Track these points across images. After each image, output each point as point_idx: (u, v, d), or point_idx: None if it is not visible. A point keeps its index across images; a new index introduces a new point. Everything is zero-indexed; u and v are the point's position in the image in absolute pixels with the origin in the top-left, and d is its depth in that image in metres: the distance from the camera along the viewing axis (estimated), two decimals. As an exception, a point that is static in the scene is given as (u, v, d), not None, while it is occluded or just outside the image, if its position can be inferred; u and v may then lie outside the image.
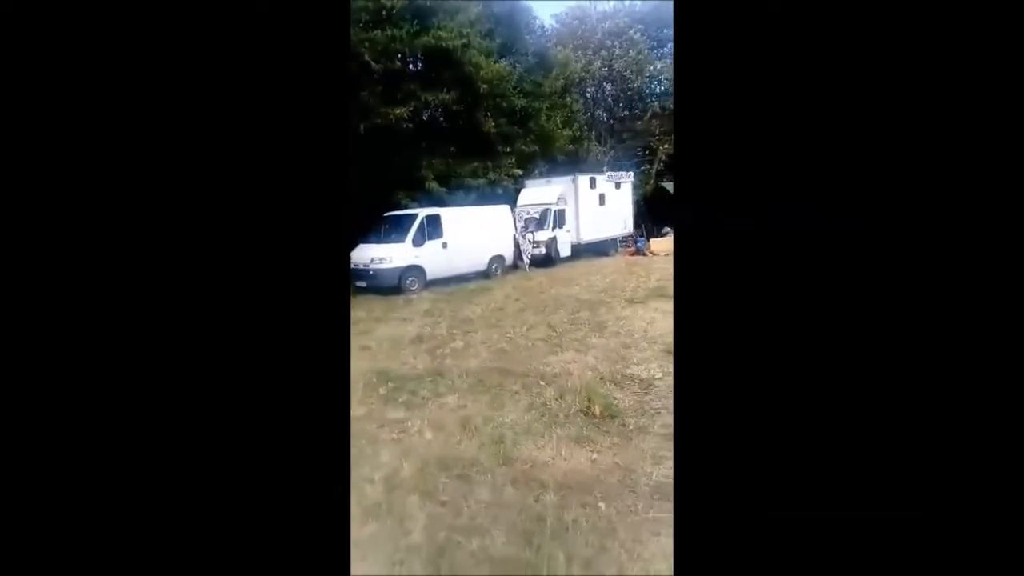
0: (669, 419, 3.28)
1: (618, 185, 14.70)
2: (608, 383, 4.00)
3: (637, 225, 15.74)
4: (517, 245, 11.70)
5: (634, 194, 15.92)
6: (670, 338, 5.17)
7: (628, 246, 14.84)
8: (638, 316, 6.29)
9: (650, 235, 15.43)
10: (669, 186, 17.95)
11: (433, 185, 11.27)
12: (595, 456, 2.85)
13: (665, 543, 2.09)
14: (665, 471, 2.64)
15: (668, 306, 6.77)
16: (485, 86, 11.61)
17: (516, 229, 11.79)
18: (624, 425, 3.25)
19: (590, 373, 4.23)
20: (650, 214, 16.88)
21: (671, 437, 3.08)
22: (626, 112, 21.28)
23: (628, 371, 4.24)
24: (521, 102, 12.98)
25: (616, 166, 17.37)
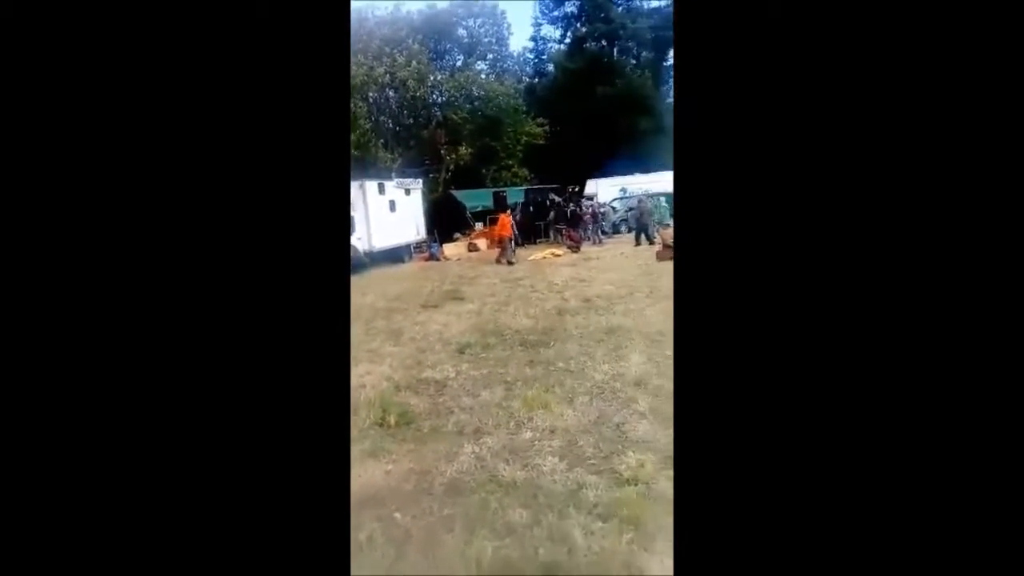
0: (462, 416, 3.43)
1: (408, 191, 14.77)
2: (404, 390, 3.99)
3: (430, 231, 16.05)
4: (303, 256, 10.79)
5: (424, 201, 16.19)
6: (463, 339, 5.41)
7: (422, 252, 15.04)
8: (433, 320, 6.41)
9: (443, 240, 15.89)
10: (458, 193, 18.77)
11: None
12: (390, 467, 2.81)
13: (459, 536, 2.18)
14: (458, 467, 2.75)
15: (461, 308, 7.08)
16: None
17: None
18: (419, 429, 3.28)
19: (385, 383, 4.15)
20: (441, 219, 17.38)
21: (464, 433, 3.23)
22: (411, 120, 21.53)
23: (423, 375, 4.29)
24: (296, 101, 12.00)
25: (404, 173, 17.42)
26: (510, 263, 11.84)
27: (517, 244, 14.02)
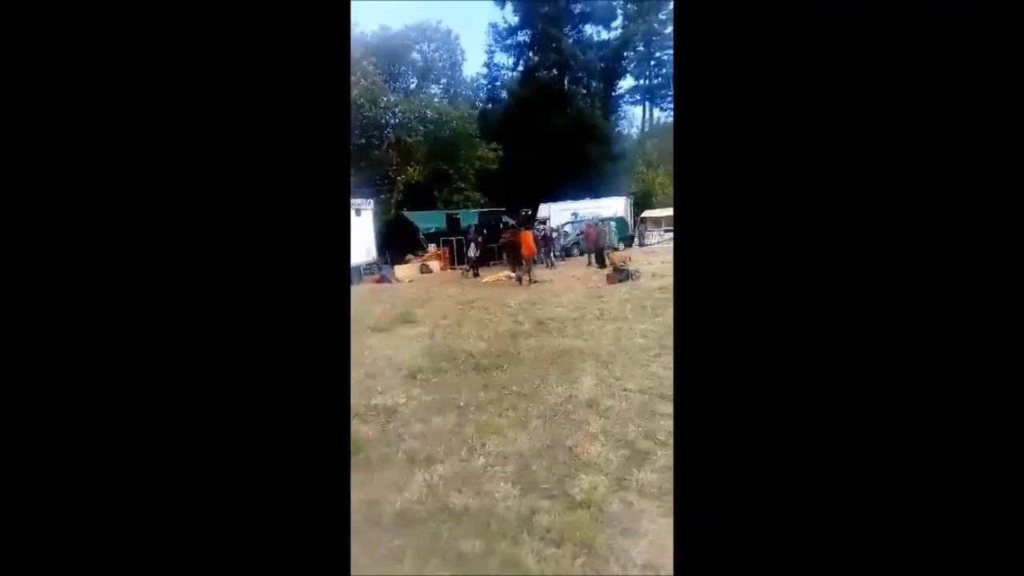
0: (413, 444, 3.33)
1: (359, 212, 14.52)
2: (352, 418, 3.84)
3: (381, 252, 15.79)
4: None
5: (375, 222, 15.96)
6: (414, 363, 5.30)
7: (373, 274, 14.73)
8: (383, 344, 6.25)
9: (394, 262, 15.65)
10: (411, 215, 18.62)
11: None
12: (336, 499, 2.68)
13: (410, 566, 2.10)
14: (408, 495, 2.67)
15: (412, 331, 6.95)
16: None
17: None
18: (368, 458, 3.16)
19: (332, 410, 3.99)
20: (393, 241, 17.16)
21: (414, 461, 3.14)
22: (363, 140, 21.31)
23: (372, 402, 4.16)
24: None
25: (355, 193, 17.13)
26: (532, 282, 10.82)
27: (473, 267, 14.02)
